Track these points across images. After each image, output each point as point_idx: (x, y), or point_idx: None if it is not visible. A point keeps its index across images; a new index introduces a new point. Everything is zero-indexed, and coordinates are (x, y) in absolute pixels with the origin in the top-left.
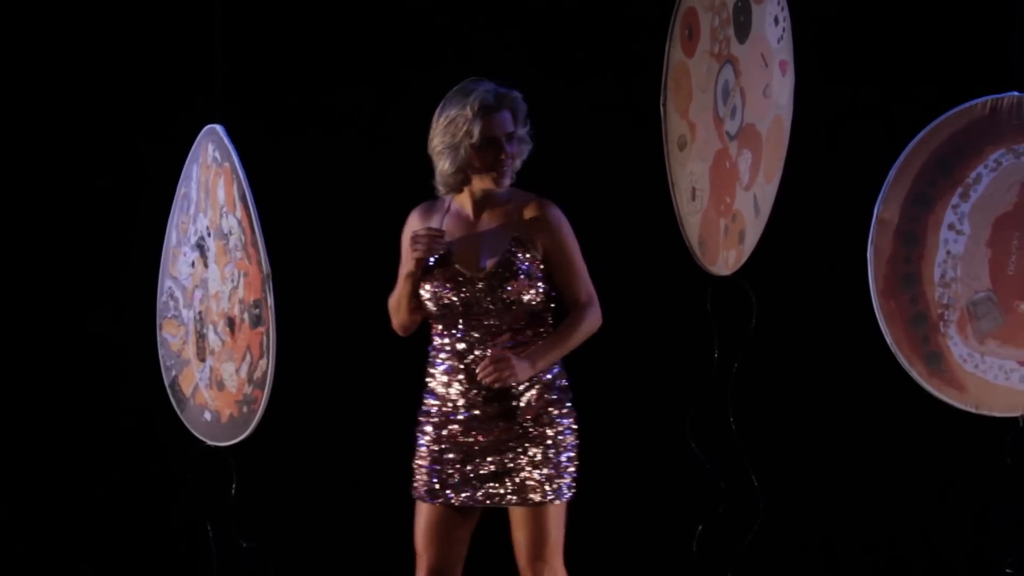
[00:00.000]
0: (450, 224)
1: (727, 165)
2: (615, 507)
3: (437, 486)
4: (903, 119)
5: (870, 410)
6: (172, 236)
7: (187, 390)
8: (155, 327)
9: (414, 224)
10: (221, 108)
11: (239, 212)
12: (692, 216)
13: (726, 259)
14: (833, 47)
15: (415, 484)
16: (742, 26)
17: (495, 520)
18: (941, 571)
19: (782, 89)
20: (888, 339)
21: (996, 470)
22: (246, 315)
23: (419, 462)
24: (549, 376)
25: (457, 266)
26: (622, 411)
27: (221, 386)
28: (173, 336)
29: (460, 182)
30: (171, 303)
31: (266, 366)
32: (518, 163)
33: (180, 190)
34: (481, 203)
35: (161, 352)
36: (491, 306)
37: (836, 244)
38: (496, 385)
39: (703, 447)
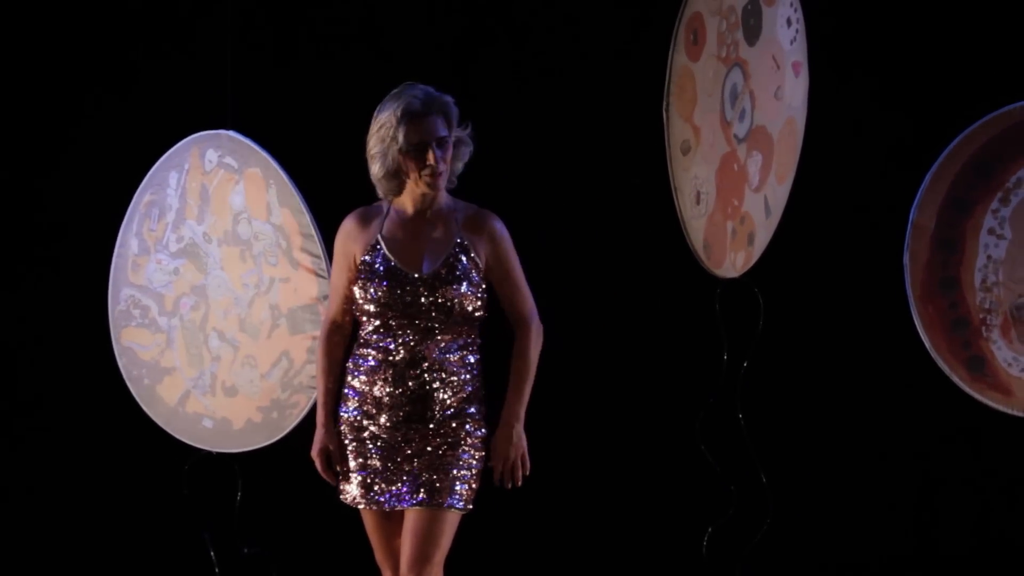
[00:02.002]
0: (390, 228)
1: (735, 168)
2: (625, 509)
3: (366, 492)
4: (921, 121)
5: (885, 410)
6: (132, 244)
7: (171, 398)
8: (109, 337)
9: (349, 228)
10: (233, 114)
11: (278, 218)
12: (696, 220)
13: (734, 261)
14: (847, 47)
15: (343, 491)
16: (752, 29)
17: (489, 522)
18: None
19: (796, 91)
20: (927, 344)
21: None
22: (283, 320)
23: (344, 468)
24: (471, 388)
25: (399, 267)
26: (632, 414)
27: (232, 392)
28: (144, 345)
29: (396, 186)
30: (135, 312)
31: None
32: (460, 166)
33: (143, 198)
34: (423, 208)
35: (122, 362)
36: (431, 308)
37: (848, 246)
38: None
39: (713, 448)
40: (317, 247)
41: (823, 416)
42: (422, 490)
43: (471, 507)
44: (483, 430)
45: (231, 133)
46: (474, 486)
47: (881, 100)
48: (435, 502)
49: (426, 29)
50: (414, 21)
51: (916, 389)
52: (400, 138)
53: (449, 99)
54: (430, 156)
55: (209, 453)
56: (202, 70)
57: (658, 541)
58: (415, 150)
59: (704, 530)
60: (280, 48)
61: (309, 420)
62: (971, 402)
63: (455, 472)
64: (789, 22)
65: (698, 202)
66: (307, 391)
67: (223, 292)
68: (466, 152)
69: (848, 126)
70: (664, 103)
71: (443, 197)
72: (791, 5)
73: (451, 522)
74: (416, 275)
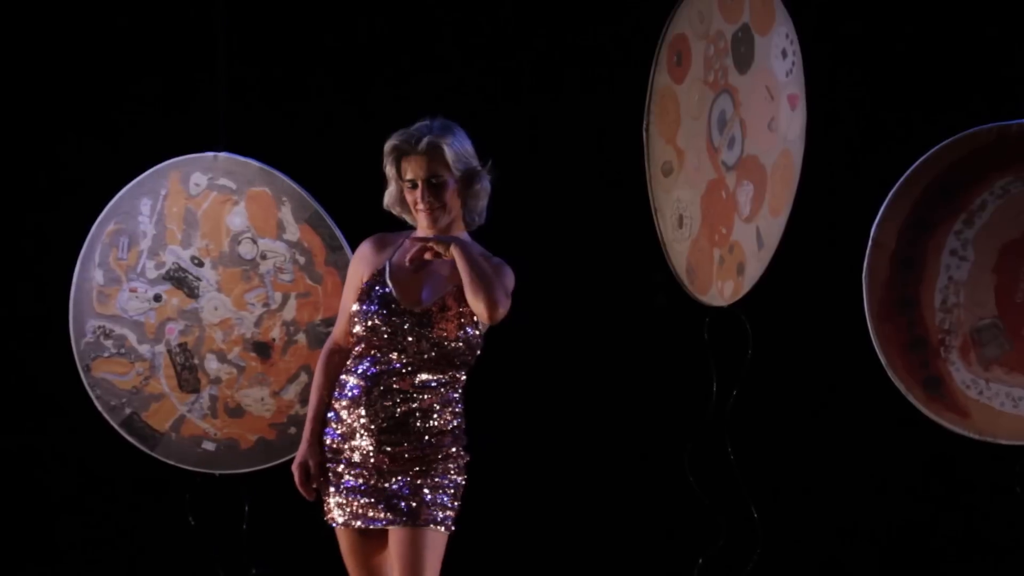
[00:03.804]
0: (400, 257)
1: (723, 195)
2: (615, 539)
3: (343, 512)
4: (911, 152)
5: (871, 438)
6: (96, 276)
7: (162, 425)
8: (76, 370)
9: (364, 252)
10: (225, 135)
11: (294, 234)
12: (679, 243)
13: (721, 289)
14: (843, 79)
15: (325, 510)
16: (743, 57)
17: (477, 552)
18: None
19: (792, 123)
20: (883, 362)
21: (1006, 499)
22: (302, 335)
23: (323, 486)
24: (450, 426)
25: (395, 296)
26: (620, 443)
27: (239, 413)
28: (122, 374)
29: (410, 216)
30: (106, 342)
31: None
32: (477, 204)
33: (105, 227)
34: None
35: (96, 393)
36: (416, 341)
37: (840, 277)
38: (425, 255)
39: (702, 479)
40: (348, 257)
41: (811, 445)
42: (403, 512)
43: (454, 528)
44: (462, 454)
45: (228, 155)
46: (455, 505)
47: (881, 132)
48: (418, 522)
49: (410, 45)
50: (399, 39)
51: (883, 413)
52: (393, 173)
53: (447, 141)
54: (417, 194)
55: (212, 475)
56: (179, 95)
57: (648, 572)
58: (410, 185)
59: (694, 561)
60: (269, 70)
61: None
62: (935, 426)
63: (434, 492)
64: (784, 54)
65: (681, 225)
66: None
67: (221, 313)
68: (481, 191)
69: (842, 159)
70: (644, 122)
71: (461, 237)
72: (787, 37)
73: (436, 541)
74: (408, 308)
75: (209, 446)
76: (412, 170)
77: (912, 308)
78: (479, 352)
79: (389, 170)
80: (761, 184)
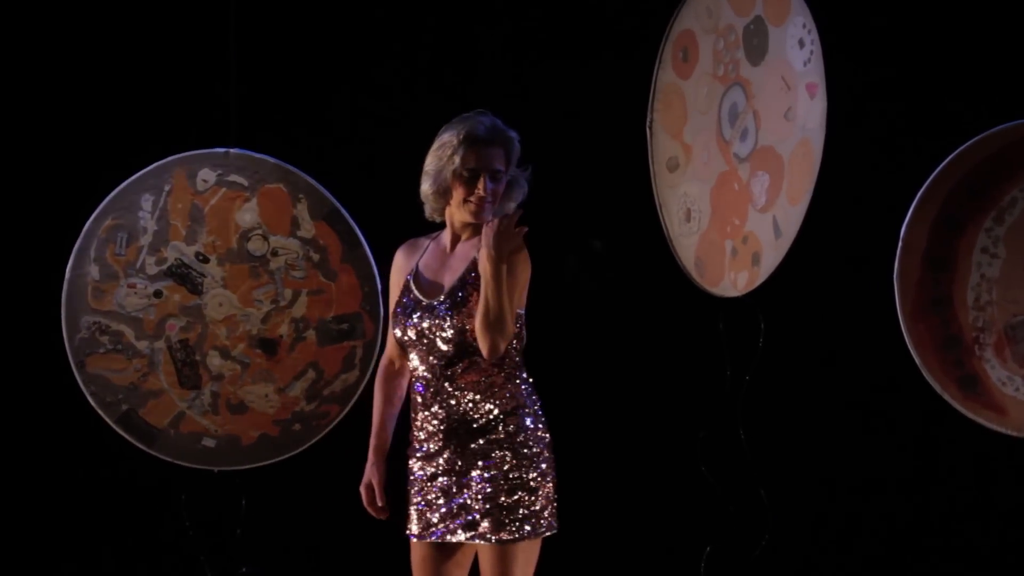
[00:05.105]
0: (427, 259)
1: (735, 187)
2: (625, 526)
3: (419, 523)
4: (935, 143)
5: (888, 433)
6: (91, 271)
7: (160, 421)
8: (69, 366)
9: (399, 260)
10: (236, 132)
11: (309, 231)
12: (686, 238)
13: (734, 280)
14: (864, 69)
15: (407, 521)
16: (756, 48)
17: None
18: None
19: (811, 112)
20: (918, 362)
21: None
22: (312, 332)
23: (410, 498)
24: (510, 407)
25: (419, 296)
26: (632, 431)
27: (241, 409)
28: (118, 370)
29: (440, 207)
30: (102, 338)
31: (353, 379)
32: (511, 206)
33: (103, 222)
34: (459, 235)
35: (90, 389)
36: (446, 333)
37: (858, 266)
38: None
39: (713, 467)
40: (365, 253)
41: (823, 434)
42: (487, 531)
43: (552, 528)
44: (541, 436)
45: (240, 151)
46: (543, 502)
47: (902, 120)
48: (501, 536)
49: (418, 40)
50: (404, 35)
51: (901, 408)
52: (457, 160)
53: (514, 135)
54: (480, 185)
55: (211, 472)
56: (186, 93)
57: (659, 558)
58: (469, 175)
59: (704, 548)
60: (279, 68)
61: (336, 432)
62: (948, 418)
63: (513, 497)
64: (802, 43)
65: (689, 219)
66: (340, 401)
67: (226, 310)
68: (519, 194)
69: (867, 148)
70: (648, 120)
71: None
72: (804, 27)
73: (526, 552)
74: (429, 303)
75: (209, 442)
76: (480, 159)
77: (945, 307)
78: (519, 335)
79: (455, 159)
80: (778, 173)
